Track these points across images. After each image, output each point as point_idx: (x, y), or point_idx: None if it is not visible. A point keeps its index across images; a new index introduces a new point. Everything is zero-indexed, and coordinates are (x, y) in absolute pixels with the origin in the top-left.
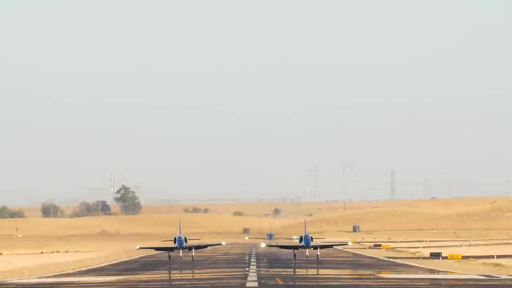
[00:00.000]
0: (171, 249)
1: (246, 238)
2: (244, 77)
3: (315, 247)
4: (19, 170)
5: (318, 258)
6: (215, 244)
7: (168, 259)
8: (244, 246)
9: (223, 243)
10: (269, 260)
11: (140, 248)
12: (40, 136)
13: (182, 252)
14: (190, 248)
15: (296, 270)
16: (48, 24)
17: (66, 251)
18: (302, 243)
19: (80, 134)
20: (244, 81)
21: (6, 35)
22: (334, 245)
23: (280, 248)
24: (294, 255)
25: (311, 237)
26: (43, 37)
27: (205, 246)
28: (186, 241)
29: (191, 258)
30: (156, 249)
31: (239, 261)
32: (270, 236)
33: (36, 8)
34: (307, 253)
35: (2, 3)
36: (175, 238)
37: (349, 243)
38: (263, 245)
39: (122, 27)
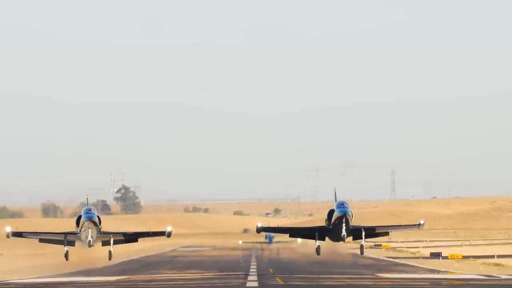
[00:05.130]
0: (72, 236)
1: (240, 242)
2: (243, 77)
3: (355, 233)
4: (18, 170)
5: (362, 252)
6: (155, 233)
7: (65, 258)
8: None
9: (169, 229)
10: None
11: (14, 233)
12: (39, 136)
13: (91, 236)
14: (106, 239)
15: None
16: (47, 23)
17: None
18: (337, 213)
19: (80, 134)
20: (244, 81)
21: (6, 34)
22: (394, 227)
23: (290, 235)
24: (317, 249)
25: (351, 213)
26: (42, 36)
27: (135, 237)
28: (100, 223)
29: (108, 255)
30: (42, 239)
31: None
32: (270, 239)
33: (34, 7)
34: (343, 233)
35: (2, 1)
36: (78, 218)
37: (421, 223)
38: (259, 224)
39: (122, 27)
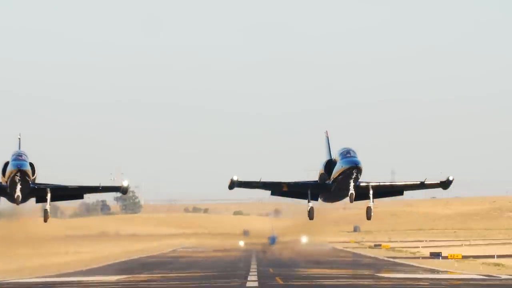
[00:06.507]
0: None
1: (242, 243)
2: (243, 77)
3: (361, 192)
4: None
5: (369, 217)
6: (106, 189)
7: None
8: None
9: (125, 183)
10: None
11: None
12: (38, 135)
13: (21, 190)
14: (42, 194)
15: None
16: (47, 23)
17: (66, 252)
18: (342, 164)
19: (79, 133)
20: (244, 81)
21: (6, 34)
22: (411, 186)
23: (273, 193)
24: (310, 212)
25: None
26: (42, 36)
27: (80, 192)
28: (34, 173)
29: (43, 217)
30: None
31: None
32: (273, 240)
33: (34, 7)
34: (351, 191)
35: (2, 1)
36: (4, 165)
37: (450, 179)
38: (234, 177)
39: (122, 27)
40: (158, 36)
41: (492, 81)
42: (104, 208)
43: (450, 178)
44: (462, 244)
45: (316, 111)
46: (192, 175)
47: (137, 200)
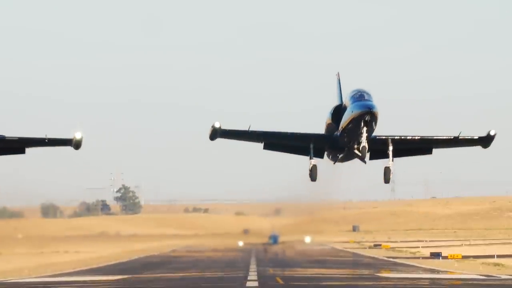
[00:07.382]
0: None
1: (241, 243)
2: (244, 77)
3: (377, 147)
4: (17, 170)
5: (386, 180)
6: (53, 141)
7: None
8: None
9: (78, 136)
10: None
11: None
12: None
13: None
14: None
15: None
16: (47, 22)
17: (66, 251)
18: (354, 109)
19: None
20: (244, 81)
21: (5, 34)
22: (444, 141)
23: (265, 146)
24: (312, 171)
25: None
26: (42, 36)
27: (21, 145)
28: None
29: None
30: None
31: None
32: (274, 239)
33: (34, 7)
34: (363, 144)
35: (1, 1)
36: None
37: (492, 134)
38: (217, 124)
39: (122, 27)
40: (158, 36)
41: (492, 81)
42: (104, 208)
43: (492, 133)
44: (462, 244)
45: (316, 111)
46: (192, 175)
47: (137, 200)
